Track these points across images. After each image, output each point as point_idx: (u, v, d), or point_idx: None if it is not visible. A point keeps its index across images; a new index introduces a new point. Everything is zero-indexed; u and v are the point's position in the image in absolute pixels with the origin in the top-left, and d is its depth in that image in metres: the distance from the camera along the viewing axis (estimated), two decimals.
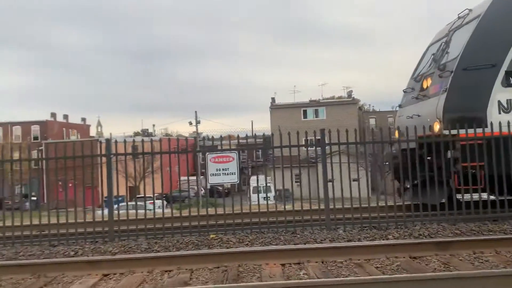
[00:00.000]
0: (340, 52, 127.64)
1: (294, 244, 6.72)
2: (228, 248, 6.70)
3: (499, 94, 8.03)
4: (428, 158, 8.21)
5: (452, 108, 8.24)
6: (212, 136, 8.35)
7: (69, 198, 8.41)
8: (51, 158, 8.23)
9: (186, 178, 10.47)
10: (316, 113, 50.82)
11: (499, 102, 8.03)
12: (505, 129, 7.79)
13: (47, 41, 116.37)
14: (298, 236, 7.25)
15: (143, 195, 14.72)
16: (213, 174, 7.91)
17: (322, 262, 5.69)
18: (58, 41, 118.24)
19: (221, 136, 8.93)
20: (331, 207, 7.91)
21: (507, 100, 8.06)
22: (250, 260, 5.83)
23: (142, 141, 8.16)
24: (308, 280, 4.79)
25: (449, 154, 7.94)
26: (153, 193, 8.20)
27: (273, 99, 53.58)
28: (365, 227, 7.72)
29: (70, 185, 8.68)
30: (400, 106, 10.41)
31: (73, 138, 60.23)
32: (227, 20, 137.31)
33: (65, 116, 64.05)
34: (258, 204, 7.95)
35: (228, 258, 5.86)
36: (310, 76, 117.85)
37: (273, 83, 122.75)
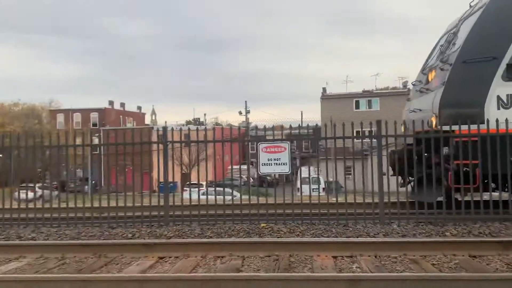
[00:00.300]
0: (395, 41, 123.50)
1: (346, 237, 6.64)
2: (279, 237, 6.74)
3: (499, 88, 7.59)
4: (426, 154, 7.81)
5: (449, 103, 7.88)
6: (265, 126, 8.35)
7: (125, 183, 8.77)
8: (112, 144, 8.58)
9: (236, 167, 10.58)
10: (369, 103, 49.55)
11: (499, 97, 7.59)
12: (503, 127, 7.30)
13: (109, 32, 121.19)
14: (350, 229, 7.15)
15: (195, 182, 15.07)
16: (264, 164, 7.95)
17: (375, 257, 5.58)
18: (119, 32, 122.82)
19: (273, 126, 8.91)
20: (385, 200, 7.73)
21: (507, 95, 7.59)
22: (301, 250, 5.82)
23: (197, 129, 8.35)
24: (366, 274, 4.72)
25: (444, 152, 7.59)
26: (205, 181, 8.37)
27: (324, 89, 52.80)
28: (421, 222, 7.48)
29: (127, 170, 9.07)
30: (408, 99, 10.03)
31: (129, 125, 62.55)
32: (278, 8, 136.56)
33: (122, 104, 66.56)
34: (310, 195, 7.91)
35: (279, 248, 5.88)
36: (363, 67, 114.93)
37: (324, 73, 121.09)
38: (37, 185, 10.63)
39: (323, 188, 8.56)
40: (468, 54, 7.85)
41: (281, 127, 8.58)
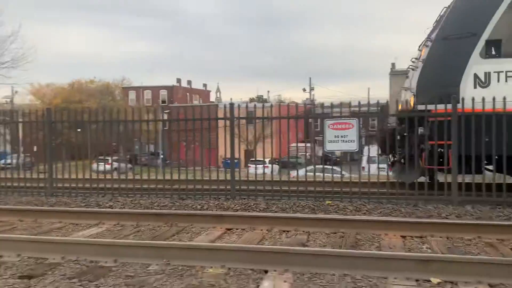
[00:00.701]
0: None
1: (417, 217, 6.44)
2: (345, 215, 6.68)
3: (476, 66, 7.29)
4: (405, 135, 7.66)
5: (426, 81, 7.68)
6: (331, 103, 8.21)
7: (192, 158, 9.07)
8: (183, 119, 8.84)
9: (300, 144, 10.56)
10: None
11: (476, 75, 7.29)
12: (480, 106, 7.01)
13: (175, 11, 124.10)
14: (420, 209, 6.91)
15: (260, 159, 15.27)
16: (330, 141, 7.84)
17: (447, 238, 5.37)
18: (186, 10, 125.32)
19: (341, 103, 8.73)
20: (459, 181, 7.35)
21: (485, 73, 7.24)
22: (368, 228, 5.74)
23: (263, 106, 8.39)
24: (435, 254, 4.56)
25: (419, 131, 7.43)
26: (270, 156, 8.42)
27: (393, 64, 50.60)
28: (498, 205, 7.06)
29: (194, 146, 9.37)
30: (407, 76, 9.54)
31: (195, 102, 64.27)
32: None
33: (189, 82, 68.35)
34: (378, 174, 7.72)
35: (345, 225, 5.83)
36: None
37: (393, 48, 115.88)
38: (112, 157, 11.31)
39: (391, 167, 8.34)
40: (449, 30, 7.60)
41: (349, 104, 8.30)
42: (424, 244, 5.21)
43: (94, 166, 11.68)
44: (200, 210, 7.24)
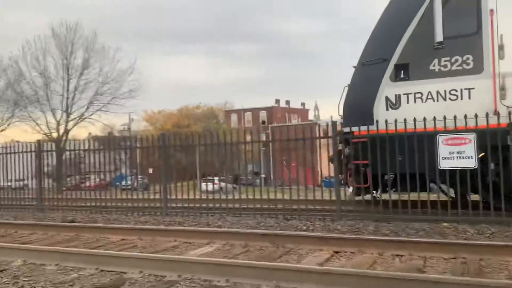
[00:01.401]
0: None
1: None
2: (465, 239, 6.11)
3: (387, 89, 7.79)
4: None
5: (348, 104, 8.27)
6: (444, 116, 7.63)
7: (293, 177, 9.07)
8: (283, 140, 8.93)
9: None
10: None
11: (387, 98, 7.78)
12: (393, 127, 7.51)
13: (272, 33, 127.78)
14: None
15: None
16: (445, 158, 7.30)
17: None
18: (282, 32, 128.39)
19: (454, 116, 8.09)
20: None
21: (395, 95, 7.73)
22: (493, 254, 5.17)
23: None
24: None
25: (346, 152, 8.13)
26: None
27: None
28: None
29: (293, 164, 9.38)
30: None
31: (293, 121, 64.87)
32: None
33: (287, 102, 69.47)
34: (502, 194, 6.97)
35: (466, 250, 5.33)
36: None
37: None
38: (217, 178, 11.78)
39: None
40: (366, 57, 8.16)
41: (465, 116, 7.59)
42: None
43: (202, 186, 12.28)
44: (305, 231, 7.16)
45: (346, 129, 8.11)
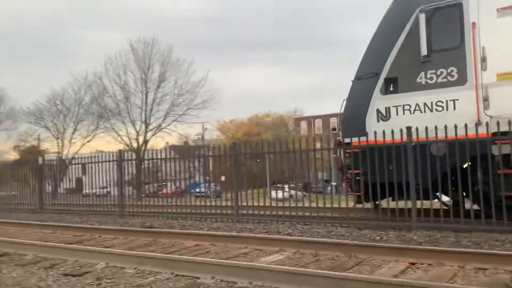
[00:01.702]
0: None
1: None
2: None
3: (378, 102, 8.20)
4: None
5: (345, 117, 8.79)
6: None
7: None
8: (356, 147, 8.74)
9: None
10: None
11: (378, 111, 8.19)
12: (383, 138, 7.92)
13: (340, 39, 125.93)
14: None
15: None
16: None
17: None
18: (350, 37, 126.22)
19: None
20: None
21: (385, 108, 8.13)
22: None
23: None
24: None
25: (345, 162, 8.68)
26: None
27: None
28: None
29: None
30: None
31: None
32: None
33: None
34: None
35: None
36: None
37: None
38: (287, 185, 11.78)
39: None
40: (360, 71, 8.59)
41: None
42: None
43: (272, 193, 12.36)
44: (378, 241, 6.91)
45: (347, 140, 8.55)
